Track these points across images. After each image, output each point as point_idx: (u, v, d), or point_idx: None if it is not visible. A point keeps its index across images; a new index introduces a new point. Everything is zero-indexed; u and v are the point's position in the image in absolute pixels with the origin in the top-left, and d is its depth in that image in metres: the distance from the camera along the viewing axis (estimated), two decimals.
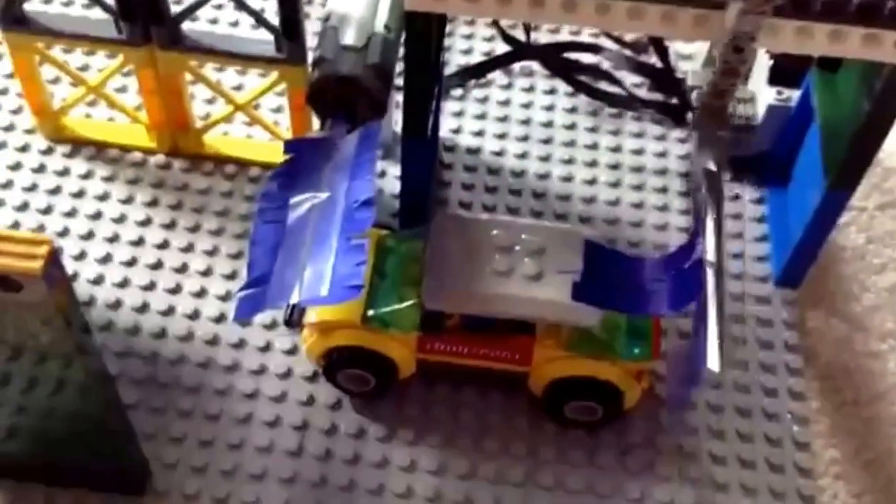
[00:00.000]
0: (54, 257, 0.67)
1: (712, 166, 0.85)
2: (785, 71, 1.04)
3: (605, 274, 0.89)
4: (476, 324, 0.90)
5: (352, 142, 0.86)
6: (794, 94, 1.06)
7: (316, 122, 0.97)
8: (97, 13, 1.03)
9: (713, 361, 0.78)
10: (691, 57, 1.22)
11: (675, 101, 1.18)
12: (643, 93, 1.21)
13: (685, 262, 0.84)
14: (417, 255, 0.92)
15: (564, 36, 1.25)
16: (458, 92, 1.20)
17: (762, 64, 1.08)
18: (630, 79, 1.21)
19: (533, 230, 0.91)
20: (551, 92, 1.21)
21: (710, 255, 0.82)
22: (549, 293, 0.87)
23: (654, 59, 1.20)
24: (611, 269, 0.90)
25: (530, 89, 1.22)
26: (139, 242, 1.06)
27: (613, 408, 0.93)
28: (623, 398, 0.92)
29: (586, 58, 1.23)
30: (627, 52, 1.21)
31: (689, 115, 1.15)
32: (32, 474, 0.90)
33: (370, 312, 0.91)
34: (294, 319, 0.97)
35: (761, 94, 1.09)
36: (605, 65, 1.22)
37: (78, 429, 0.83)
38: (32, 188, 1.09)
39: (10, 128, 1.14)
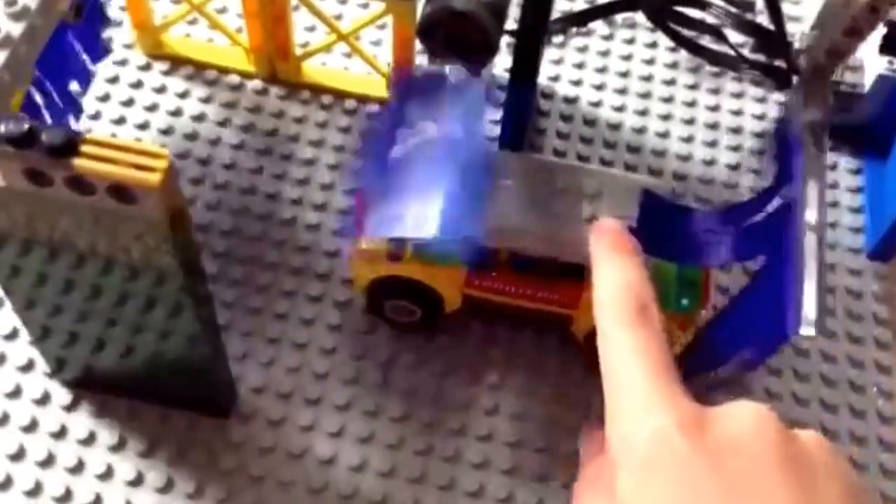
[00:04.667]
0: (172, 172, 0.65)
1: (818, 125, 0.83)
2: None
3: (661, 223, 0.87)
4: (525, 263, 0.89)
5: (461, 86, 0.85)
6: None
7: (419, 59, 0.96)
8: None
9: (807, 326, 0.75)
10: (800, 19, 1.20)
11: (780, 63, 1.15)
12: (745, 52, 1.18)
13: (752, 216, 0.83)
14: None
15: None
16: (558, 39, 1.19)
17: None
18: (732, 37, 1.18)
19: (592, 175, 0.89)
20: (652, 45, 1.19)
21: (812, 217, 0.79)
22: None
23: (759, 18, 1.17)
24: (667, 218, 0.88)
25: (631, 41, 1.20)
26: (232, 166, 1.05)
27: None
28: None
29: (692, 14, 1.19)
30: (734, 10, 1.18)
31: (795, 80, 1.12)
32: (119, 389, 0.91)
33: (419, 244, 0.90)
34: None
35: (870, 63, 1.06)
36: (710, 21, 1.19)
37: (168, 346, 0.82)
38: (129, 103, 1.09)
39: (109, 41, 1.13)
